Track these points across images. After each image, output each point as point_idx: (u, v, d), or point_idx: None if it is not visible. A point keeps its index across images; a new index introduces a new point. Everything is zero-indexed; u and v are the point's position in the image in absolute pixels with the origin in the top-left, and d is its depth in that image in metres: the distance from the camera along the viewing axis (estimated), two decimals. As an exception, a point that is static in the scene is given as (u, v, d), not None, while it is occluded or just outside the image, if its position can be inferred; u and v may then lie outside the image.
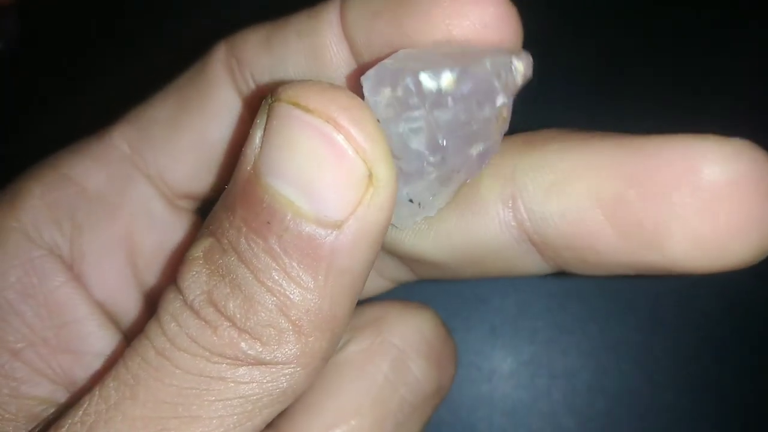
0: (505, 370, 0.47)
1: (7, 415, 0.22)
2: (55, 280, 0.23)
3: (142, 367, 0.18)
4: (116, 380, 0.19)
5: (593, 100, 0.49)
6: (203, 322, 0.18)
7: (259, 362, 0.18)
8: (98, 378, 0.20)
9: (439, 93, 0.19)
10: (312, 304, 0.18)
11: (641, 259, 0.20)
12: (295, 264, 0.18)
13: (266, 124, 0.18)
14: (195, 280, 0.18)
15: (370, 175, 0.17)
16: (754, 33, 0.51)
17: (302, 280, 0.18)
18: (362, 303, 0.27)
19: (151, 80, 0.27)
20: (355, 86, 0.21)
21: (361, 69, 0.22)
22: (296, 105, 0.17)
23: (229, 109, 0.24)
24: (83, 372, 0.23)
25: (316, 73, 0.23)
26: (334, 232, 0.17)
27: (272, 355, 0.18)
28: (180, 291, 0.19)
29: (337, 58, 0.22)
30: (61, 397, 0.23)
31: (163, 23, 0.52)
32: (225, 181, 0.25)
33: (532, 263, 0.22)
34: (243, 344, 0.18)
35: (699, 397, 0.46)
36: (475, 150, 0.20)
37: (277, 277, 0.18)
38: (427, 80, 0.18)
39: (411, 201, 0.21)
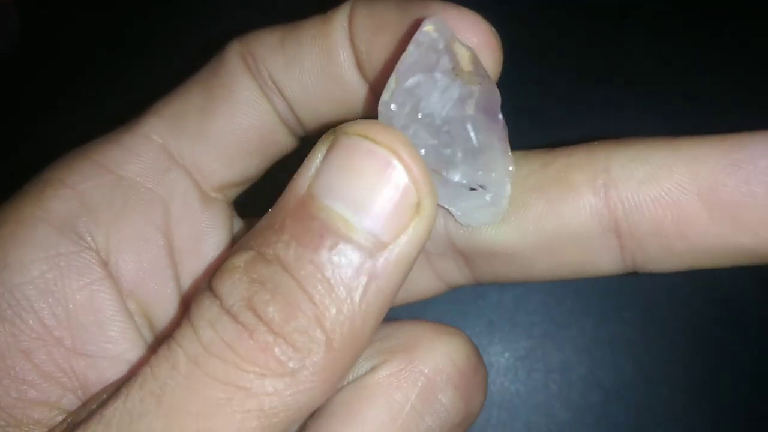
0: (503, 364, 0.47)
1: (12, 421, 0.21)
2: (81, 278, 0.22)
3: (170, 375, 0.18)
4: (142, 390, 0.18)
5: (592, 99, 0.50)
6: (240, 326, 0.18)
7: (285, 371, 0.18)
8: (117, 386, 0.20)
9: (404, 93, 0.21)
10: (346, 319, 0.18)
11: (732, 243, 0.21)
12: (339, 277, 0.18)
13: (328, 153, 0.19)
14: (235, 286, 0.19)
15: (418, 205, 0.19)
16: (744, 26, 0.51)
17: (342, 294, 0.18)
18: (406, 308, 0.27)
19: (154, 79, 0.27)
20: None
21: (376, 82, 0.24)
22: (365, 137, 0.19)
23: (254, 97, 0.25)
24: (97, 377, 0.22)
25: (329, 73, 0.24)
26: (380, 252, 0.19)
27: (301, 363, 0.18)
28: (218, 296, 0.19)
29: (347, 62, 0.24)
30: (70, 403, 0.22)
31: (167, 23, 0.52)
32: (255, 171, 0.27)
33: (609, 259, 0.23)
34: (277, 349, 0.18)
35: (693, 391, 0.47)
36: (469, 107, 0.21)
37: (320, 287, 0.18)
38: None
39: (473, 189, 0.22)
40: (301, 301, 0.18)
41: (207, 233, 0.26)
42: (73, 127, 0.30)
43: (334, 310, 0.18)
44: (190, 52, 0.27)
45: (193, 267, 0.26)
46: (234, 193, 0.27)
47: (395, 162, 0.19)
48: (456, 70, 0.21)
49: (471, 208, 0.23)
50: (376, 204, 0.19)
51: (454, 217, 0.23)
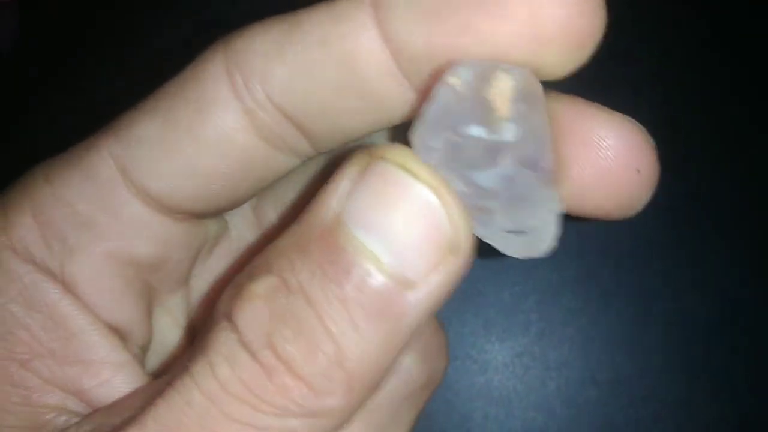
0: (500, 361, 0.48)
1: (18, 423, 0.21)
2: (53, 294, 0.22)
3: (185, 412, 0.18)
4: (157, 423, 0.18)
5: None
6: (259, 366, 0.18)
7: (304, 413, 0.18)
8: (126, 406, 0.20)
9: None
10: (369, 357, 0.18)
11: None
12: (364, 316, 0.18)
13: (362, 179, 0.18)
14: (255, 319, 0.18)
15: (454, 246, 0.18)
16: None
17: (368, 332, 0.18)
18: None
19: (156, 76, 0.26)
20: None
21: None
22: (405, 169, 0.18)
23: (231, 135, 0.21)
24: (91, 381, 0.22)
25: (351, 86, 0.20)
26: (408, 292, 0.18)
27: (320, 405, 0.18)
28: (236, 330, 0.18)
29: (378, 70, 0.20)
30: (72, 404, 0.22)
31: (168, 14, 0.52)
32: (244, 195, 0.23)
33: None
34: (296, 392, 0.18)
35: (691, 387, 0.47)
36: (504, 159, 0.19)
37: (343, 326, 0.18)
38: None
39: (516, 233, 0.20)
40: (323, 341, 0.18)
41: (181, 255, 0.25)
42: (73, 126, 0.30)
43: (357, 352, 0.18)
44: (189, 42, 0.25)
45: (180, 288, 0.26)
46: (227, 210, 0.26)
47: (435, 200, 0.18)
48: (491, 122, 0.19)
49: (515, 246, 0.21)
50: (410, 242, 0.18)
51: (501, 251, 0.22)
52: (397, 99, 0.20)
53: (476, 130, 0.19)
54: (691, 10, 0.52)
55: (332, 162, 0.28)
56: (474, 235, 0.20)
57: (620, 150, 0.20)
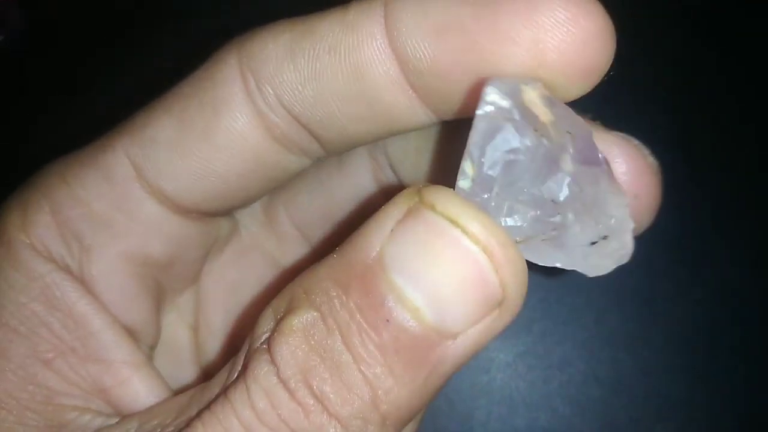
0: (503, 360, 0.48)
1: (41, 422, 0.22)
2: (73, 293, 0.23)
3: None
4: None
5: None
6: (296, 404, 0.18)
7: None
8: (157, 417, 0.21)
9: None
10: (404, 401, 0.18)
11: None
12: (401, 363, 0.18)
13: (408, 224, 0.18)
14: (292, 355, 0.18)
15: (501, 302, 0.18)
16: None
17: (404, 378, 0.18)
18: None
19: (162, 74, 0.25)
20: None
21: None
22: (454, 223, 0.17)
23: (244, 136, 0.22)
24: (112, 380, 0.23)
25: (359, 94, 0.20)
26: (449, 341, 0.18)
27: None
28: (274, 363, 0.18)
29: (386, 80, 0.20)
30: (93, 403, 0.23)
31: (175, 14, 0.52)
32: (256, 194, 0.24)
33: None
34: (332, 430, 0.18)
35: (692, 386, 0.47)
36: (565, 163, 0.19)
37: (379, 372, 0.18)
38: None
39: (593, 242, 0.19)
40: (359, 385, 0.18)
41: (193, 247, 0.25)
42: (80, 125, 0.30)
43: (393, 396, 0.18)
44: (200, 42, 0.25)
45: (189, 287, 0.26)
46: (240, 208, 0.26)
47: (485, 261, 0.17)
48: (539, 130, 0.18)
49: (598, 261, 0.20)
50: (453, 297, 0.18)
51: (579, 271, 0.21)
52: (404, 108, 0.21)
53: (530, 140, 0.18)
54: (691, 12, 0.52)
55: (355, 165, 0.27)
56: (555, 265, 0.19)
57: (620, 176, 0.20)
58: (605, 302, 0.48)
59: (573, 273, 0.22)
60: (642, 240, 0.20)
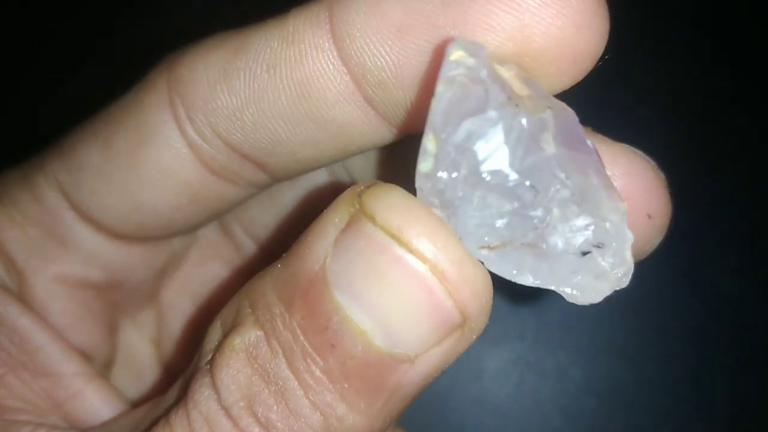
0: (494, 368, 0.47)
1: None
2: (14, 310, 0.22)
3: None
4: None
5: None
6: None
7: None
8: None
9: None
10: (362, 428, 0.17)
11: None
12: (353, 390, 0.16)
13: (348, 235, 0.16)
14: (234, 379, 0.17)
15: (462, 324, 0.16)
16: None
17: (358, 404, 0.16)
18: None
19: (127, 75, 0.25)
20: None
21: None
22: (396, 239, 0.15)
23: (172, 169, 0.20)
24: (64, 393, 0.22)
25: (307, 115, 0.18)
26: (406, 365, 0.16)
27: None
28: (215, 388, 0.17)
29: (337, 96, 0.18)
30: (48, 419, 0.22)
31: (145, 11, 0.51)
32: (197, 222, 0.22)
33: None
34: None
35: (688, 395, 0.46)
36: (547, 143, 0.16)
37: (330, 399, 0.16)
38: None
39: (585, 252, 0.16)
40: (308, 414, 0.16)
41: (141, 275, 0.24)
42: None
43: (348, 421, 0.16)
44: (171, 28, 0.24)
45: (141, 305, 0.25)
46: (185, 234, 0.25)
47: (435, 283, 0.15)
48: (513, 99, 0.15)
49: (589, 281, 0.17)
50: (405, 323, 0.16)
51: (566, 297, 0.17)
52: (361, 127, 0.18)
53: (504, 108, 0.15)
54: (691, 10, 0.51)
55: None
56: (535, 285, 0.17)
57: (629, 194, 0.18)
58: (598, 310, 0.47)
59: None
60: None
